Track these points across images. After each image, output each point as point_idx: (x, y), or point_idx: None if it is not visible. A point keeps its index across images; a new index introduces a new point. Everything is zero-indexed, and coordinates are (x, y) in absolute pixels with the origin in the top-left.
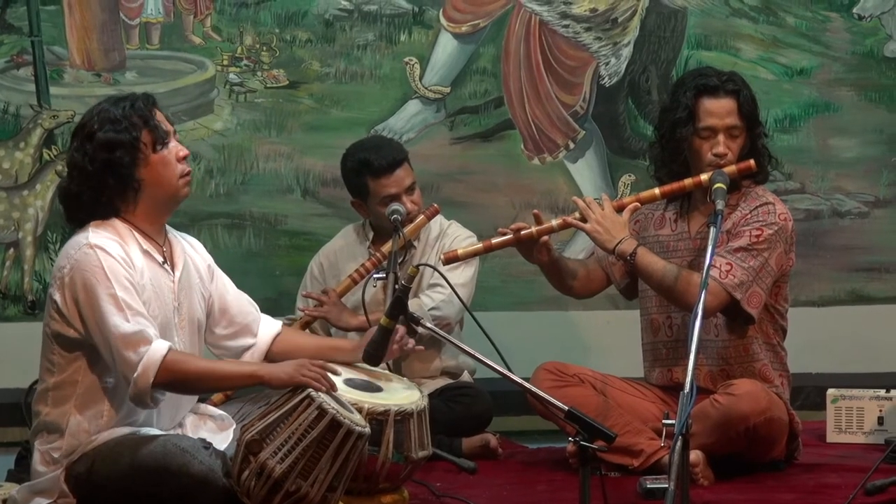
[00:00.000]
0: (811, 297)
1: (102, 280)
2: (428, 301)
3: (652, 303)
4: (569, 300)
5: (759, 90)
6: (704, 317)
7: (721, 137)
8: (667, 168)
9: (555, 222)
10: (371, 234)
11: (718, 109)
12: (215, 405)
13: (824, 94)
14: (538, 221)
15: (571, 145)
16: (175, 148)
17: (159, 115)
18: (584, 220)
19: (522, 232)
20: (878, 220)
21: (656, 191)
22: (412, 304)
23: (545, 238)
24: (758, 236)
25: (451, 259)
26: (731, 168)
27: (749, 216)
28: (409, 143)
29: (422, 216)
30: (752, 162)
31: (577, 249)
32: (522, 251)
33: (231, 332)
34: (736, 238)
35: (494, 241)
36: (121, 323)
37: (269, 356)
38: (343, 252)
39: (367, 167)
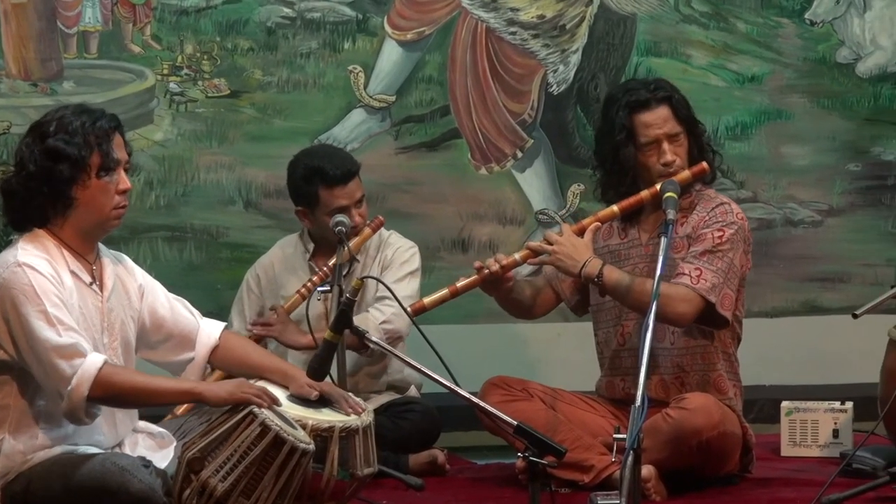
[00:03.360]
0: (764, 307)
1: (32, 298)
2: (378, 314)
3: (604, 315)
4: None
5: (710, 97)
6: (681, 325)
7: (665, 146)
8: (614, 190)
9: (518, 255)
10: (311, 247)
11: (655, 120)
12: (175, 416)
13: (776, 101)
14: (491, 265)
15: (519, 154)
16: (119, 179)
17: (118, 141)
18: (546, 250)
19: (489, 270)
20: (832, 229)
21: (615, 207)
22: (362, 318)
23: (511, 275)
24: (720, 237)
25: (419, 311)
26: (685, 174)
27: (708, 218)
28: (354, 153)
29: (367, 229)
30: (704, 164)
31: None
32: (487, 287)
33: (170, 346)
34: (698, 241)
35: (459, 284)
36: (53, 336)
37: (219, 367)
38: (281, 264)
39: (321, 176)
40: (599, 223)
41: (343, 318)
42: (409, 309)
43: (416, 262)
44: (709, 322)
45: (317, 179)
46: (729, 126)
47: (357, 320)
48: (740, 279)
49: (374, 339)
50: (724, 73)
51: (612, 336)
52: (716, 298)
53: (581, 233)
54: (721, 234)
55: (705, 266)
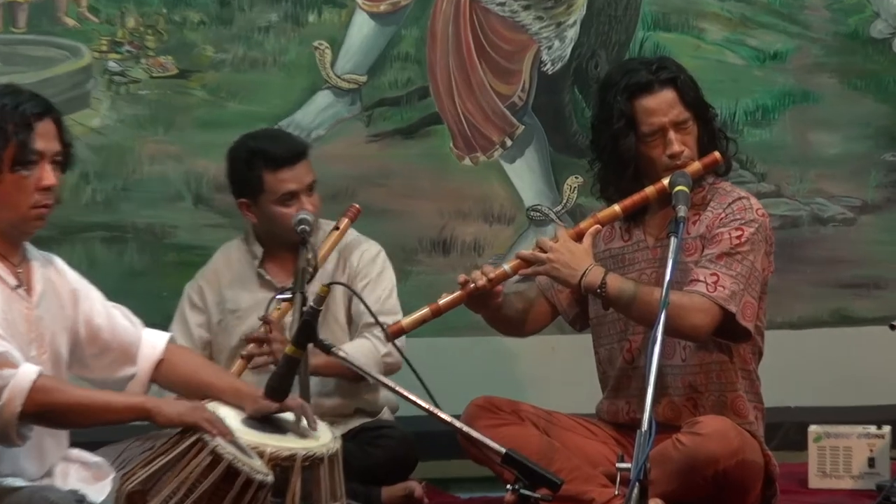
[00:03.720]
0: (788, 317)
1: None
2: (381, 346)
3: (607, 330)
4: None
5: (727, 77)
6: (697, 339)
7: (672, 135)
8: (615, 186)
9: (507, 266)
10: (259, 251)
11: (659, 106)
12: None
13: (802, 81)
14: (478, 279)
15: (508, 142)
16: (40, 174)
17: (45, 130)
18: (539, 259)
19: (475, 284)
20: (866, 228)
21: (616, 207)
22: (357, 347)
23: (500, 289)
24: (739, 237)
25: (397, 333)
26: (696, 165)
27: (724, 216)
28: (320, 141)
29: (345, 219)
30: (716, 154)
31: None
32: (473, 304)
33: (108, 360)
34: (714, 243)
35: (442, 301)
36: None
37: (163, 385)
38: (228, 274)
39: (264, 158)
40: (600, 225)
41: (306, 330)
42: (388, 329)
43: (390, 269)
44: (728, 335)
45: (260, 162)
46: (748, 110)
47: (353, 348)
48: (762, 285)
49: (341, 353)
50: (742, 50)
51: (617, 353)
52: (736, 308)
53: (579, 237)
54: (740, 233)
55: (723, 271)
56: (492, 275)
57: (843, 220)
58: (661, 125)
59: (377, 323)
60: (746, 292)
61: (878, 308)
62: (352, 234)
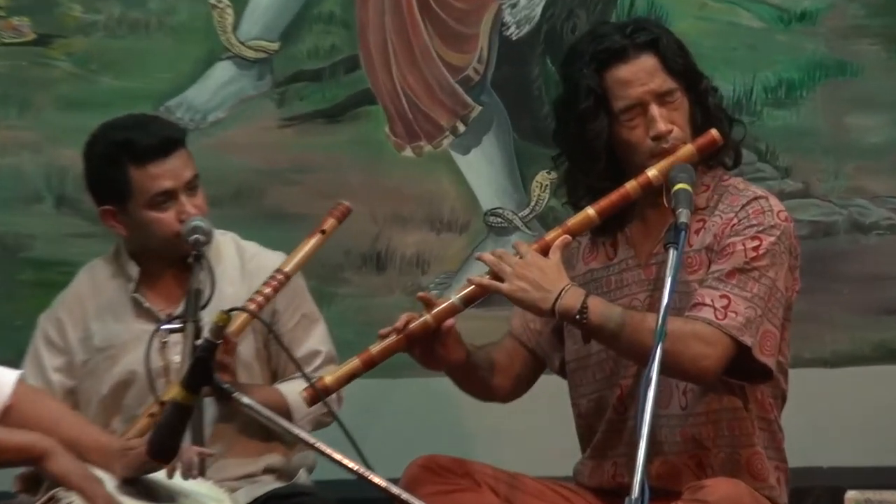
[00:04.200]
0: (820, 352)
1: None
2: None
3: (591, 374)
4: None
5: (741, 44)
6: (703, 381)
7: (655, 110)
8: (585, 186)
9: (456, 298)
10: (135, 272)
11: (636, 75)
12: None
13: (837, 49)
14: (429, 305)
15: (461, 128)
16: None
17: None
18: (499, 279)
19: (413, 325)
20: None
21: (590, 211)
22: (289, 391)
23: (450, 324)
24: (756, 249)
25: (319, 395)
26: (688, 149)
27: (736, 221)
28: (219, 126)
29: (331, 220)
30: (713, 132)
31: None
32: (419, 356)
33: None
34: (724, 256)
35: (374, 349)
36: None
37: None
38: (92, 304)
39: (128, 150)
40: (570, 237)
41: (200, 369)
42: (303, 394)
43: (307, 292)
44: (742, 374)
45: (123, 156)
46: (768, 86)
47: (291, 391)
48: (785, 309)
49: (246, 401)
50: (761, 9)
51: (606, 403)
52: (752, 339)
53: (545, 252)
54: (758, 243)
55: (735, 292)
56: (435, 309)
57: (890, 226)
58: (639, 98)
59: (303, 376)
60: (766, 319)
61: None
62: (254, 245)
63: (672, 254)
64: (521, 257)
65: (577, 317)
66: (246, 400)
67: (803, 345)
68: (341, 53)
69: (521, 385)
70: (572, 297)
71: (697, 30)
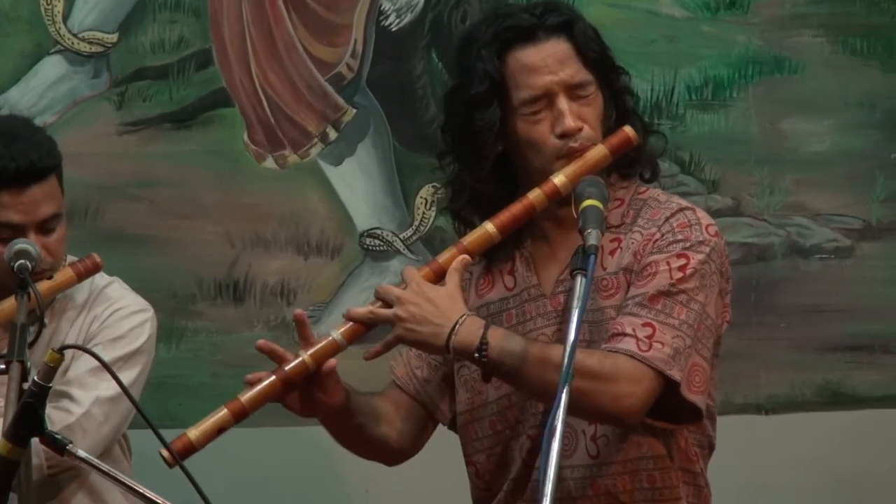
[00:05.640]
0: (753, 396)
1: None
2: (60, 416)
3: (491, 424)
4: None
5: (661, 35)
6: (623, 423)
7: (564, 104)
8: (469, 192)
9: (336, 334)
10: None
11: (545, 61)
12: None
13: (774, 42)
14: (304, 335)
15: (332, 134)
16: None
17: None
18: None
19: (289, 367)
20: (868, 262)
21: (488, 227)
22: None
23: (332, 364)
24: (682, 268)
25: (186, 452)
26: (599, 151)
27: (659, 237)
28: (48, 132)
29: (69, 270)
30: (627, 129)
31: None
32: (297, 403)
33: None
34: (646, 277)
35: (244, 397)
36: None
37: None
38: None
39: None
40: (468, 258)
41: (28, 417)
42: (164, 453)
43: (139, 339)
44: (667, 415)
45: None
46: (693, 85)
47: None
48: (714, 343)
49: (81, 454)
50: None
51: (512, 455)
52: (680, 373)
53: (439, 277)
54: (683, 262)
55: (660, 319)
56: (312, 349)
57: (835, 249)
58: (546, 88)
59: (103, 365)
60: (694, 351)
61: (887, 382)
62: (116, 284)
63: (580, 281)
64: (406, 287)
65: (477, 354)
66: (81, 453)
67: (734, 387)
68: (191, 47)
69: (412, 442)
70: (469, 331)
71: (609, 18)
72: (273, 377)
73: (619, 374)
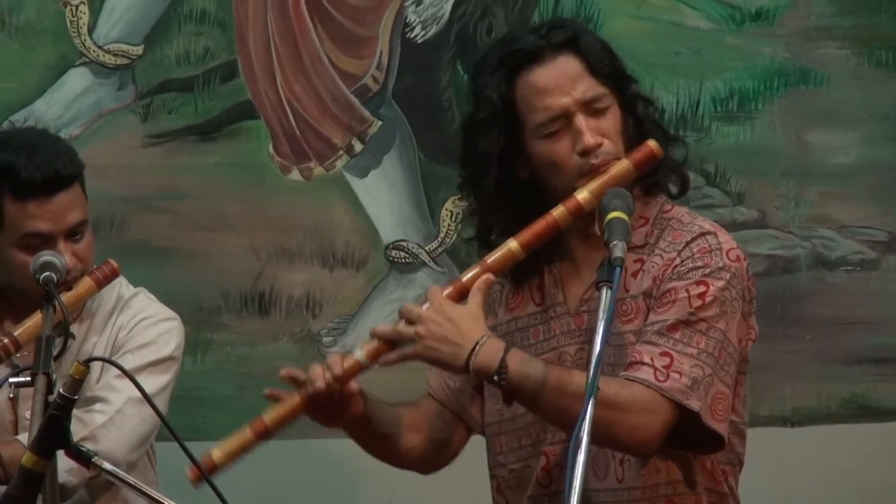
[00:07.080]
0: (779, 409)
1: None
2: (80, 426)
3: (513, 440)
4: None
5: (686, 48)
6: (641, 453)
7: (581, 122)
8: (497, 220)
9: (360, 353)
10: None
11: (557, 81)
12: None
13: (798, 54)
14: (316, 378)
15: (358, 147)
16: None
17: None
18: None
19: (314, 386)
20: (894, 274)
21: (512, 244)
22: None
23: (354, 388)
24: (702, 296)
25: (210, 470)
26: (623, 164)
27: (679, 262)
28: (73, 145)
29: (87, 279)
30: (651, 143)
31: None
32: (320, 415)
33: None
34: (665, 305)
35: (269, 416)
36: None
37: None
38: None
39: (8, 178)
40: (492, 277)
41: (54, 430)
42: (187, 473)
43: (167, 347)
44: (690, 443)
45: (3, 183)
46: (718, 97)
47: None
48: (740, 362)
49: (107, 466)
50: (709, 7)
51: (531, 472)
52: (700, 403)
53: (462, 296)
54: (703, 289)
55: (679, 348)
56: (338, 369)
57: (860, 261)
58: (563, 109)
59: (130, 378)
60: (716, 378)
61: None
62: (141, 294)
63: (605, 294)
64: (428, 306)
65: (496, 377)
66: (107, 466)
67: (760, 400)
68: (216, 59)
69: (442, 451)
70: (489, 353)
71: (635, 31)
72: (298, 397)
73: (635, 404)
